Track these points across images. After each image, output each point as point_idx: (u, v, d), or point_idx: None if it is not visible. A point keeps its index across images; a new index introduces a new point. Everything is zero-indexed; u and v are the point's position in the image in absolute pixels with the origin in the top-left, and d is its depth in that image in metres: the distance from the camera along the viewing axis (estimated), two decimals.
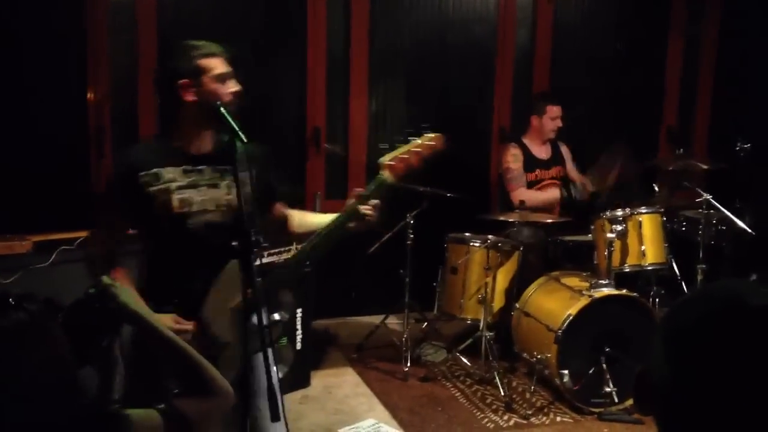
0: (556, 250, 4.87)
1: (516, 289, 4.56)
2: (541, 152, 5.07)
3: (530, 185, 5.00)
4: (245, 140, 2.30)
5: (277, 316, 4.00)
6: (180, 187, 2.50)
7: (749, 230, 4.71)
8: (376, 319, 4.99)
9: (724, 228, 5.05)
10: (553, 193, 4.97)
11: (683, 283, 5.01)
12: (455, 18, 5.51)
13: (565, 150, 5.20)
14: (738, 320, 1.03)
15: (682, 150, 5.26)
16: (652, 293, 5.01)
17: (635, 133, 5.98)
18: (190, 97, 2.49)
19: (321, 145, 5.18)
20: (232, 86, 2.53)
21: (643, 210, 4.44)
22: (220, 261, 2.47)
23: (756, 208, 5.55)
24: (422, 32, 5.46)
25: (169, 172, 2.51)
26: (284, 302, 4.09)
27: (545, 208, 4.99)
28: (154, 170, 2.49)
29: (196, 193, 2.52)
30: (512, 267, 4.59)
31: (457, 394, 4.26)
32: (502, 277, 4.53)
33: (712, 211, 4.79)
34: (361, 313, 5.35)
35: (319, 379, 4.37)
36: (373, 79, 5.35)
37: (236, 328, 2.48)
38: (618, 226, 4.33)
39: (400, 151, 2.70)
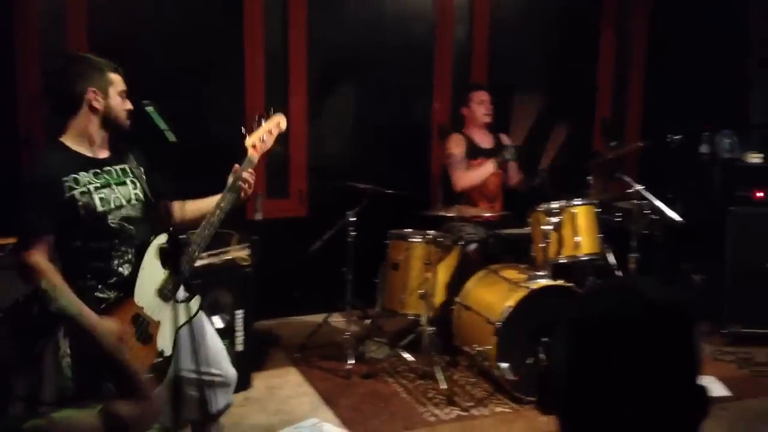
0: (495, 243, 4.93)
1: (456, 283, 4.63)
2: (484, 141, 5.11)
3: None
4: (174, 139, 2.49)
5: (218, 321, 4.01)
6: (97, 188, 2.75)
7: (679, 219, 4.84)
8: (318, 318, 5.01)
9: (657, 218, 5.17)
10: (487, 168, 4.97)
11: (619, 272, 5.12)
12: (393, 16, 5.54)
13: (507, 142, 5.25)
14: (633, 315, 1.07)
15: (615, 142, 5.39)
16: (587, 283, 5.13)
17: (571, 126, 6.10)
18: (97, 106, 2.78)
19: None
20: (128, 104, 2.86)
21: (577, 202, 4.53)
22: (142, 249, 2.81)
23: (687, 198, 5.72)
24: (361, 30, 5.47)
25: (83, 176, 2.74)
26: (224, 304, 4.08)
27: (487, 197, 5.06)
28: (71, 175, 2.71)
29: (110, 192, 2.79)
30: (452, 262, 4.65)
31: (399, 390, 4.30)
32: (443, 272, 4.58)
33: (644, 201, 4.91)
34: (304, 312, 5.36)
35: (262, 381, 4.36)
36: (312, 77, 5.35)
37: (162, 307, 2.80)
38: (553, 218, 4.42)
39: (259, 133, 3.13)
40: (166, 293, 2.79)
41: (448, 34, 5.65)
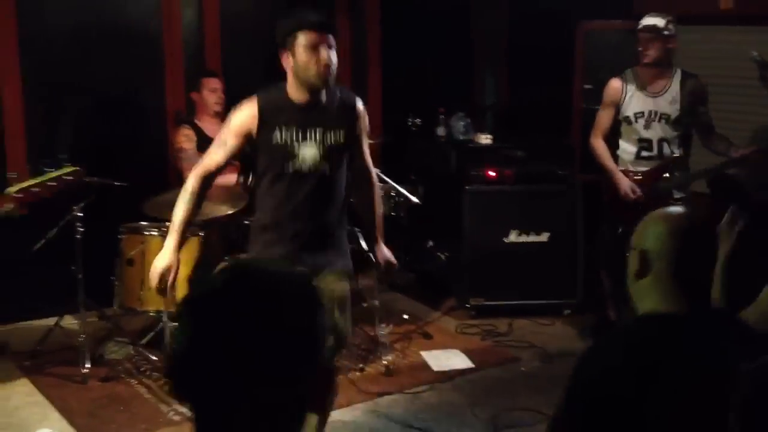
0: (237, 232, 5.04)
1: (203, 274, 4.70)
2: (215, 132, 5.16)
3: None
4: None
5: None
6: None
7: (416, 201, 5.24)
8: (50, 321, 4.86)
9: (401, 200, 5.55)
10: (228, 179, 5.06)
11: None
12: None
13: None
14: (247, 288, 1.15)
15: None
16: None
17: None
18: None
19: None
20: None
21: None
22: None
23: (428, 179, 6.21)
24: (78, 14, 5.37)
25: None
26: None
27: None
28: None
29: None
30: (193, 253, 4.71)
31: (141, 390, 4.32)
32: (184, 264, 4.58)
33: (383, 184, 5.26)
34: (34, 316, 5.17)
35: None
36: (27, 69, 5.17)
37: None
38: None
39: (32, 182, 3.12)
40: None
41: (176, 17, 5.65)
